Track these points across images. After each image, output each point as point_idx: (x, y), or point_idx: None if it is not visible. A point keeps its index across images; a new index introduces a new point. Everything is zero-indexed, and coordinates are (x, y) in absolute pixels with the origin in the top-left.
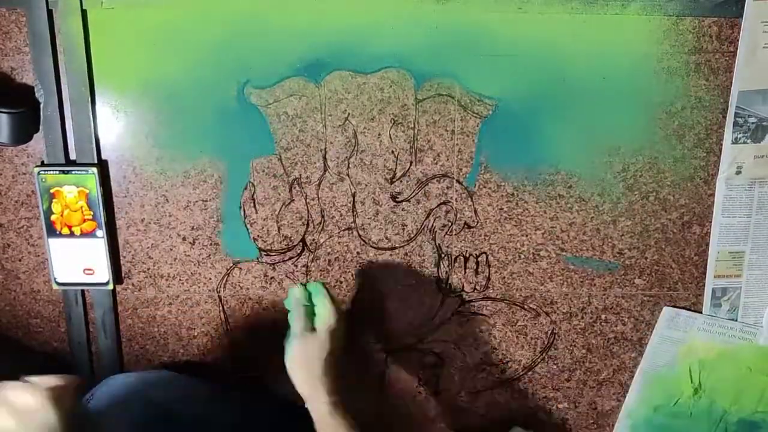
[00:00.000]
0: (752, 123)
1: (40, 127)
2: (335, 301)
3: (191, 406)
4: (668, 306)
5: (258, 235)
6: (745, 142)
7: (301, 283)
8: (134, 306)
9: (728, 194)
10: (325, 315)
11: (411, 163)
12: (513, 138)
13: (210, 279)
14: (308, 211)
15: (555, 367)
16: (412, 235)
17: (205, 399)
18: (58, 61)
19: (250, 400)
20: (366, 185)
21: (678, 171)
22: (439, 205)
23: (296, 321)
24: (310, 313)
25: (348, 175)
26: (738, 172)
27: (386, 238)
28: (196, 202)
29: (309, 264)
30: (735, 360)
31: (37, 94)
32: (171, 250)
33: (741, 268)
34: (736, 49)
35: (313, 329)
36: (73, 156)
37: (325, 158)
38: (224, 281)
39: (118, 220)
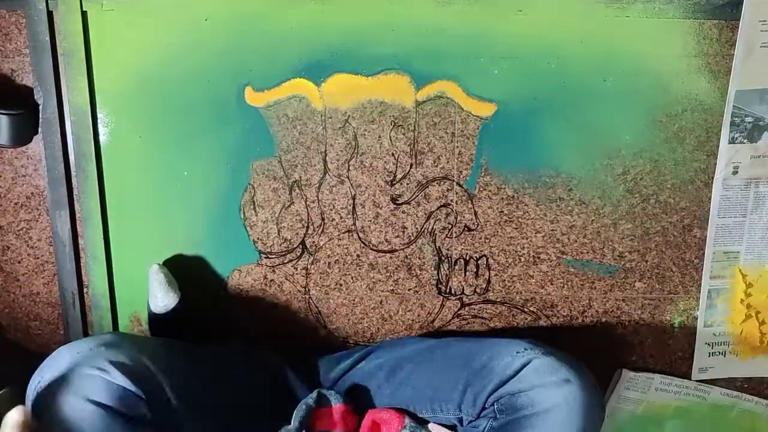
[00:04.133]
0: (749, 123)
1: (39, 129)
2: None
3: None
4: (626, 369)
5: (258, 238)
6: (741, 142)
7: None
8: (133, 308)
9: (724, 194)
10: None
11: (411, 165)
12: (513, 141)
13: (210, 281)
14: (308, 213)
15: None
16: (412, 238)
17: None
18: (58, 62)
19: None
20: (366, 187)
21: (678, 174)
22: (439, 208)
23: None
24: None
25: (348, 177)
26: (734, 172)
27: (386, 240)
28: (196, 204)
29: (309, 266)
30: (688, 416)
31: (36, 96)
32: (170, 252)
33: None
34: None
35: None
36: (72, 158)
37: (325, 160)
38: (224, 284)
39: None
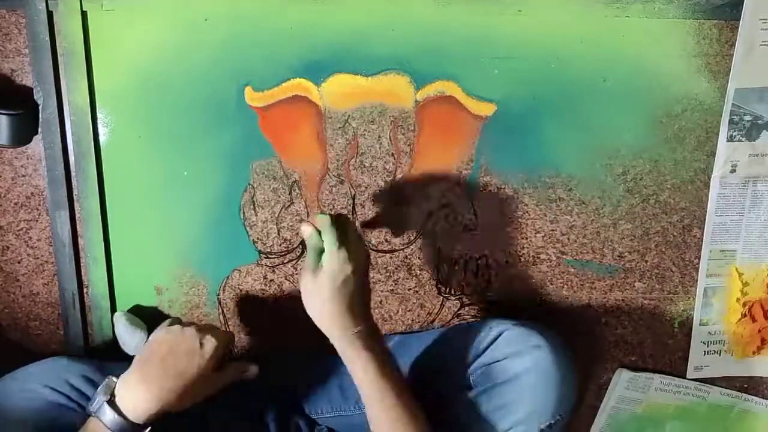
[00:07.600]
0: (747, 121)
1: (39, 129)
2: (347, 237)
3: None
4: (626, 369)
5: (258, 238)
6: (740, 140)
7: (321, 214)
8: (133, 308)
9: (722, 192)
10: (327, 254)
11: (411, 165)
12: (513, 140)
13: (209, 281)
14: (308, 213)
15: None
16: (412, 238)
17: None
18: (58, 62)
19: None
20: (366, 187)
21: (678, 174)
22: (439, 208)
23: (306, 257)
24: (320, 250)
25: (348, 177)
26: (732, 171)
27: (386, 240)
28: (196, 204)
29: None
30: (688, 416)
31: (36, 96)
32: (170, 252)
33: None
34: None
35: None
36: (72, 158)
37: (325, 160)
38: (224, 284)
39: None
